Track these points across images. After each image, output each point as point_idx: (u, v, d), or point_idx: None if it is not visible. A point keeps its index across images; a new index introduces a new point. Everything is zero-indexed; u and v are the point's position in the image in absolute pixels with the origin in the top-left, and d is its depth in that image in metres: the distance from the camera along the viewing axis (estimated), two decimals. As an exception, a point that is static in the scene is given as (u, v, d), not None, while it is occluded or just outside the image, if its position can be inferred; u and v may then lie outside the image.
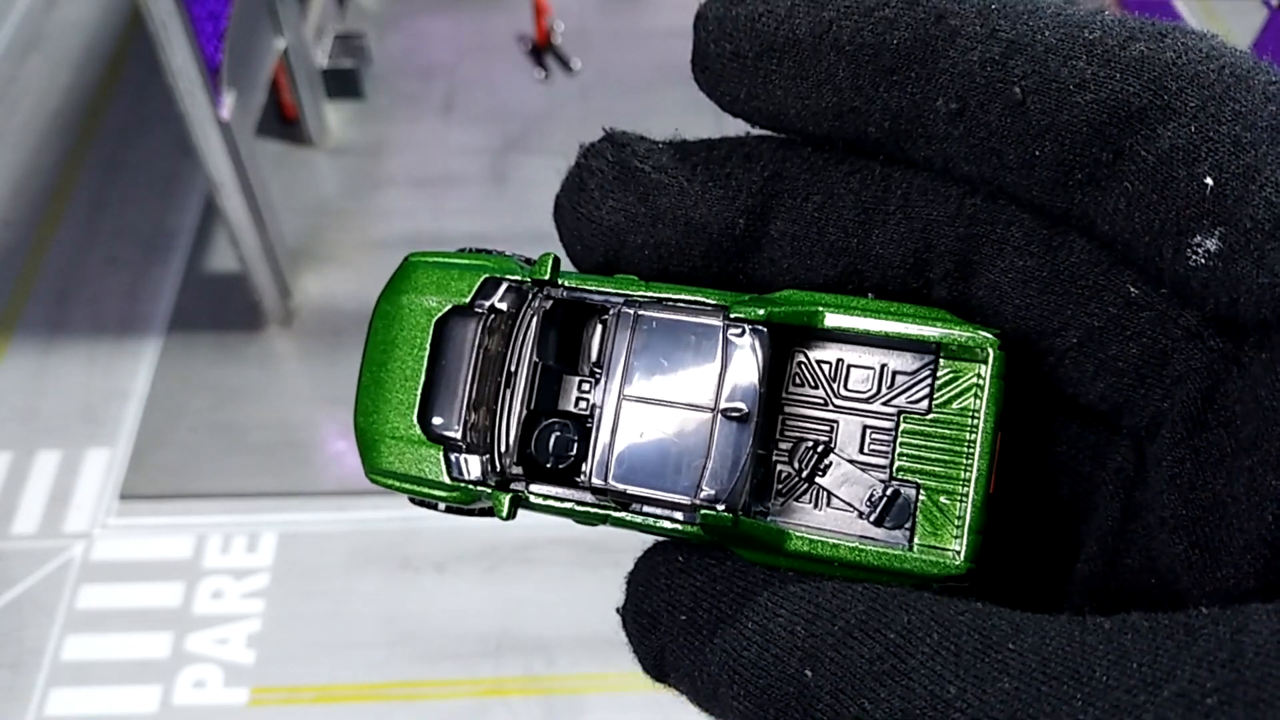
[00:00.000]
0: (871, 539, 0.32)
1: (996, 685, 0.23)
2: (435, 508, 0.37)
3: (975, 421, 0.32)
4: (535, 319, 0.36)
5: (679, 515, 0.32)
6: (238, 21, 1.64)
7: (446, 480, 0.35)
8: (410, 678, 1.51)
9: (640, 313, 0.34)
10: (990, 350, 0.31)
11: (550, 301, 0.36)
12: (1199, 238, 0.25)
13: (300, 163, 2.17)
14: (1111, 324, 0.29)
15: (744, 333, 0.33)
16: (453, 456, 0.35)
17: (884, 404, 0.33)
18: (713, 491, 0.32)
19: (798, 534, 0.31)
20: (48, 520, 1.69)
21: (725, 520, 0.31)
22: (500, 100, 2.33)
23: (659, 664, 0.31)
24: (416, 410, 0.36)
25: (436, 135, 2.27)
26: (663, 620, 0.31)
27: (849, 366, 0.34)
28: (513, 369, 0.36)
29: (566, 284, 0.35)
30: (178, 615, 1.59)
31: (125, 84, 2.38)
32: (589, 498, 0.34)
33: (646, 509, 0.33)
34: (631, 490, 0.33)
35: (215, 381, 1.84)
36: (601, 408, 0.34)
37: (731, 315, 0.33)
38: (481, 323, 0.36)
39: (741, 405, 0.32)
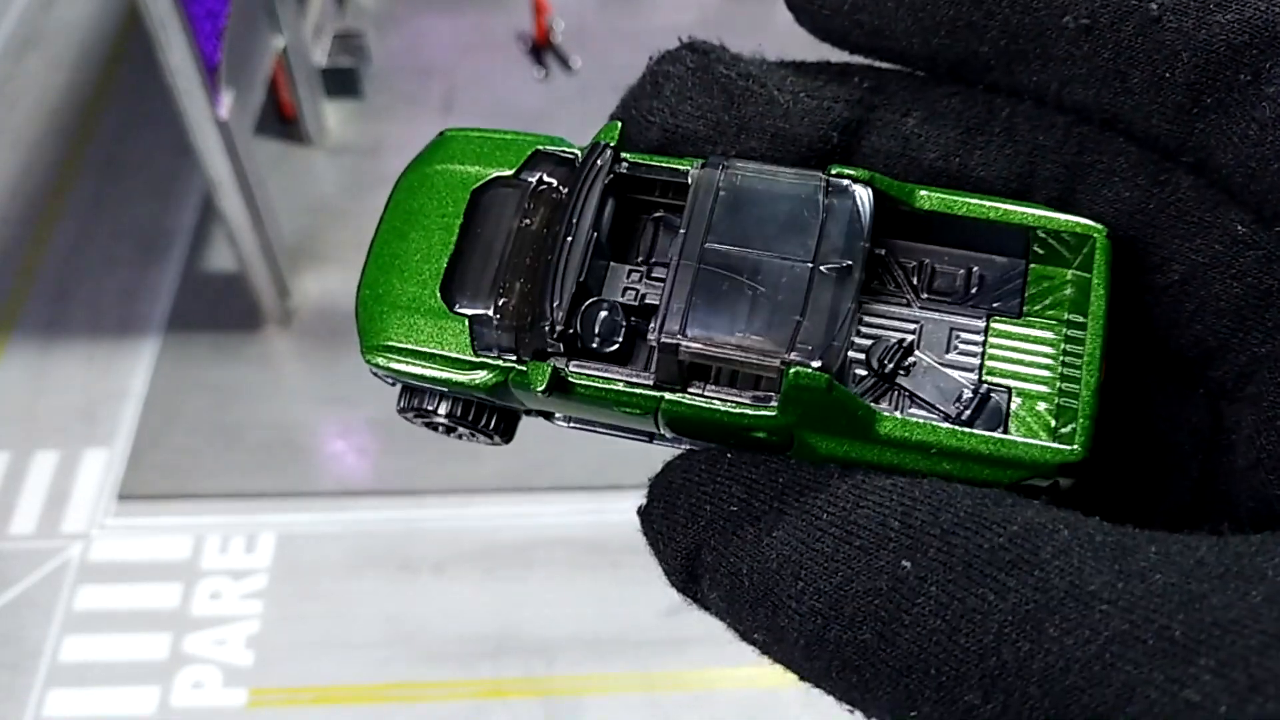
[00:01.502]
0: None
1: (1150, 579, 0.21)
2: (434, 414, 0.33)
3: (1072, 327, 0.30)
4: (598, 184, 0.32)
5: (747, 401, 0.28)
6: (236, 20, 1.63)
7: (469, 357, 0.31)
8: (409, 679, 1.51)
9: (728, 165, 0.31)
10: (1098, 237, 0.29)
11: (612, 175, 0.32)
12: None
13: (299, 162, 2.17)
14: (1216, 261, 0.28)
15: (847, 187, 0.30)
16: (480, 328, 0.32)
17: (972, 306, 0.31)
18: (809, 347, 0.28)
19: (890, 416, 0.28)
20: (45, 520, 1.68)
21: (819, 382, 0.27)
22: (500, 99, 2.33)
23: (691, 564, 0.28)
24: (440, 280, 0.32)
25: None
26: (703, 513, 0.27)
27: (934, 268, 0.32)
28: (569, 237, 0.31)
29: (630, 158, 0.32)
30: (176, 616, 1.58)
31: (123, 83, 2.37)
32: (639, 379, 0.30)
33: (709, 390, 0.29)
34: (709, 349, 0.28)
35: (214, 381, 1.83)
36: (679, 258, 0.30)
37: (832, 172, 0.30)
38: (528, 194, 0.33)
39: (844, 259, 0.29)
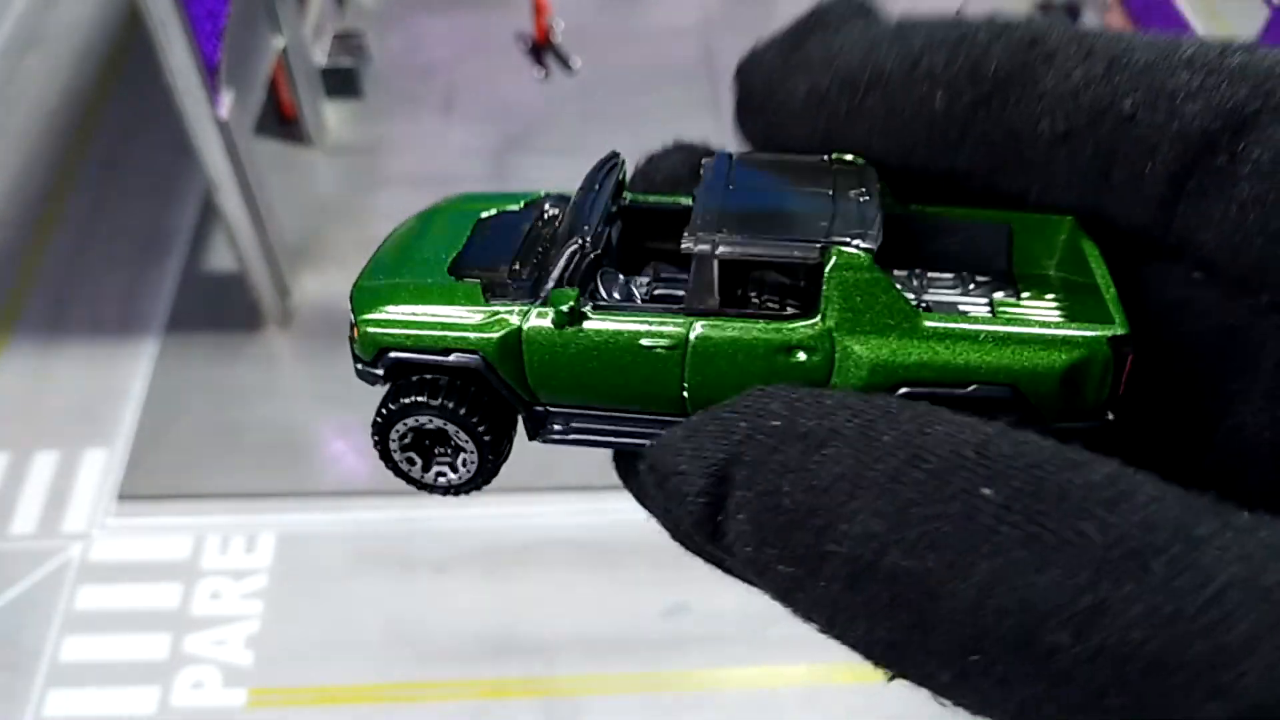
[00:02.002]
0: None
1: (1257, 533, 0.21)
2: (426, 405, 0.32)
3: (1070, 293, 0.31)
4: (613, 177, 0.33)
5: (784, 332, 0.28)
6: (236, 20, 1.63)
7: (480, 308, 0.31)
8: (409, 679, 1.51)
9: (735, 154, 0.32)
10: (1069, 220, 0.30)
11: (616, 208, 0.34)
12: None
13: (299, 162, 2.17)
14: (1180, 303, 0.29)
15: (850, 165, 0.31)
16: (494, 282, 0.32)
17: (974, 296, 0.32)
18: (848, 233, 0.28)
19: (931, 316, 0.28)
20: (46, 521, 1.68)
21: (863, 260, 0.28)
22: (500, 99, 2.33)
23: (719, 483, 0.25)
24: (448, 266, 0.33)
25: (436, 134, 2.26)
26: (737, 429, 0.25)
27: (929, 274, 0.33)
28: (591, 193, 0.33)
29: (632, 197, 0.34)
30: (176, 616, 1.58)
31: (123, 83, 2.37)
32: (659, 319, 0.30)
33: (739, 317, 0.29)
34: (747, 246, 0.29)
35: (214, 381, 1.83)
36: (704, 183, 0.31)
37: (832, 156, 0.32)
38: (536, 215, 0.35)
39: (862, 192, 0.30)
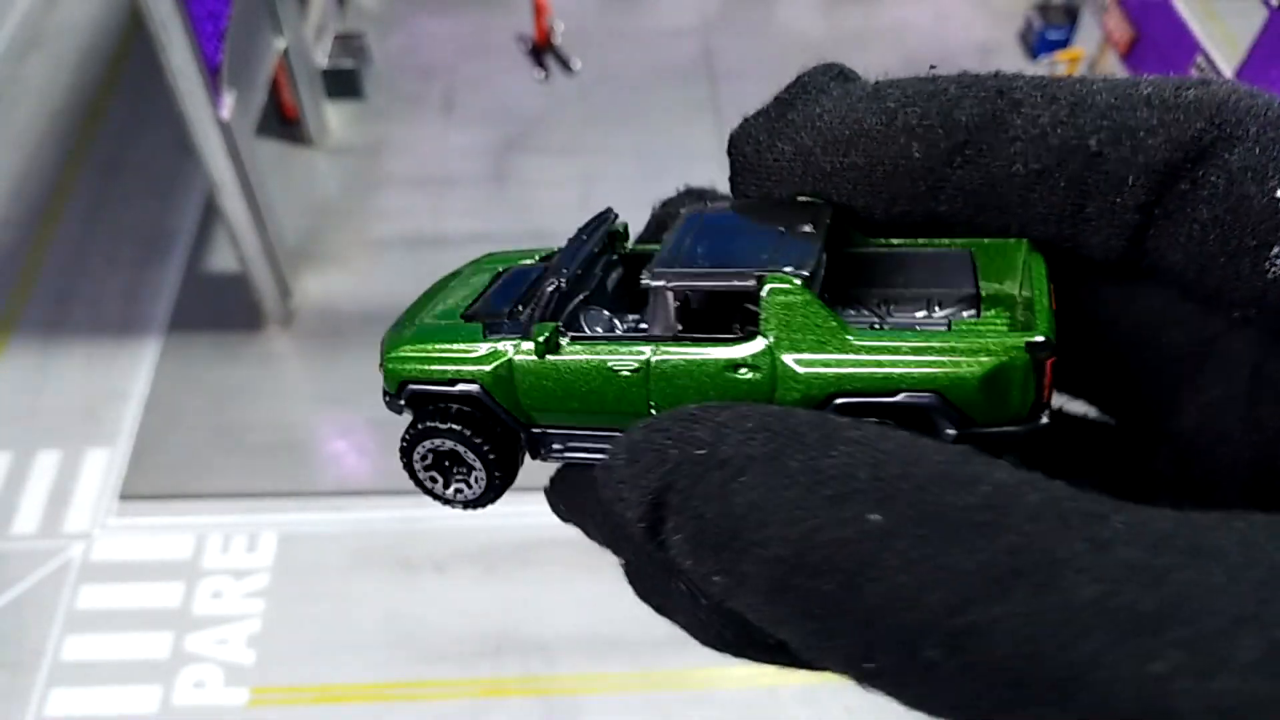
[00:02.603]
0: None
1: (1117, 551, 0.22)
2: (439, 429, 0.37)
3: (1024, 314, 0.33)
4: (603, 228, 0.38)
5: (730, 352, 0.32)
6: (238, 21, 1.64)
7: (480, 344, 0.36)
8: (410, 678, 1.51)
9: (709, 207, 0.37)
10: (1024, 243, 0.33)
11: (616, 256, 0.39)
12: (1277, 249, 0.27)
13: (300, 163, 2.18)
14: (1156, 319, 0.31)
15: (807, 203, 0.34)
16: (493, 321, 0.37)
17: (936, 320, 0.35)
18: (783, 263, 0.32)
19: (860, 329, 0.31)
20: (47, 520, 1.69)
21: (794, 291, 0.31)
22: (500, 100, 2.33)
23: (656, 508, 0.28)
24: (462, 312, 0.38)
25: (437, 135, 2.27)
26: (669, 458, 0.28)
27: (893, 301, 0.36)
28: (576, 243, 0.38)
29: (628, 248, 0.39)
30: (177, 615, 1.59)
31: (125, 84, 2.38)
32: (626, 348, 0.33)
33: (691, 345, 0.33)
34: (695, 280, 0.33)
35: (215, 382, 1.84)
36: (679, 225, 0.35)
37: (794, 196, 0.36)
38: (546, 266, 0.39)
39: (808, 227, 0.33)
